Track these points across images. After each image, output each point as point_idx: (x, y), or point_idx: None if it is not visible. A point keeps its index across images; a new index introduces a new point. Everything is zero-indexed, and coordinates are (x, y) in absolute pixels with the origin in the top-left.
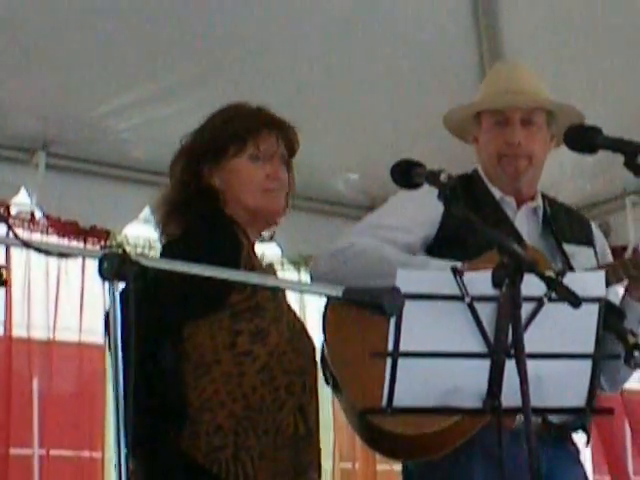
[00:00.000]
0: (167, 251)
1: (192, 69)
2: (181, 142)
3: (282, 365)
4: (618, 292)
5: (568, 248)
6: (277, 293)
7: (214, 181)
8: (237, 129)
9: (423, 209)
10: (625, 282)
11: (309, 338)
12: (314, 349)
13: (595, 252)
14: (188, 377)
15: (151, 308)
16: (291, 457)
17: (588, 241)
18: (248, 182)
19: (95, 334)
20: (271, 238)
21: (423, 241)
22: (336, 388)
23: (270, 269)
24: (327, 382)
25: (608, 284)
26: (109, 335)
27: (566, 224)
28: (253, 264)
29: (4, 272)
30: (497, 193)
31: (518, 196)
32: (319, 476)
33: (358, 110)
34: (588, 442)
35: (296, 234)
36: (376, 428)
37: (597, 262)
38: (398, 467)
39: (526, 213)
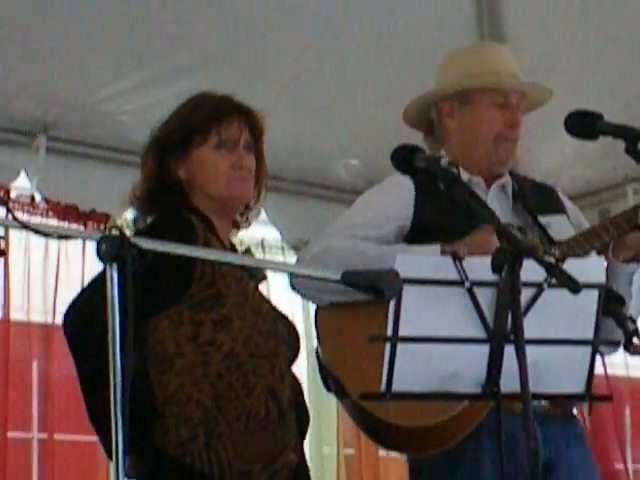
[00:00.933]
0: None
1: (192, 53)
2: (152, 133)
3: (248, 350)
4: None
5: (542, 219)
6: (243, 278)
7: (180, 173)
8: (199, 119)
9: (393, 202)
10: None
11: (280, 319)
12: (289, 330)
13: (568, 217)
14: (152, 373)
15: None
16: (265, 440)
17: (559, 209)
18: (212, 172)
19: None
20: (249, 223)
21: (397, 232)
22: (338, 394)
23: (248, 254)
24: (328, 389)
25: (594, 250)
26: (111, 318)
27: (535, 196)
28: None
29: (2, 243)
30: (464, 175)
31: (487, 176)
32: (300, 456)
33: (359, 96)
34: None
35: (296, 219)
36: (378, 421)
37: (573, 228)
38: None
39: (496, 191)
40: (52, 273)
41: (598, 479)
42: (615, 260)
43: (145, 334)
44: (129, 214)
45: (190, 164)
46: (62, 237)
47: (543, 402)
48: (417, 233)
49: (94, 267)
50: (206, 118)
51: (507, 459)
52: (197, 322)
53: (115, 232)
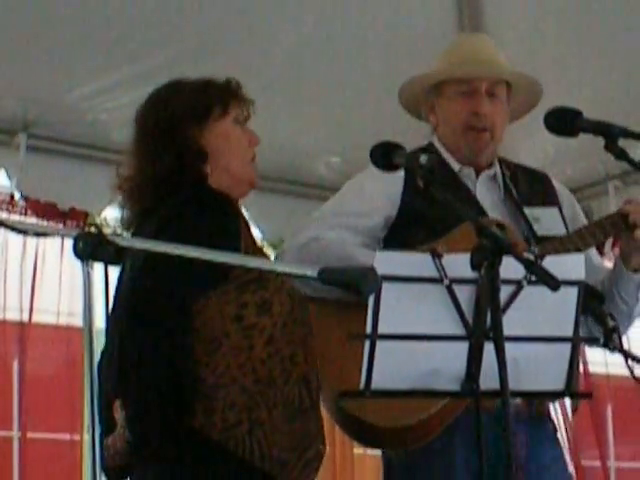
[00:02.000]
0: (167, 228)
1: (172, 51)
2: (141, 114)
3: (286, 336)
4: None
5: (531, 212)
6: None
7: (202, 143)
8: (218, 92)
9: (381, 190)
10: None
11: (307, 308)
12: (310, 319)
13: (560, 210)
14: (200, 354)
15: (160, 283)
16: (300, 429)
17: (552, 200)
18: (237, 147)
19: (74, 316)
20: None
21: (384, 223)
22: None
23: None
24: None
25: (586, 247)
26: (86, 316)
27: (527, 187)
28: (250, 234)
29: None
30: (455, 165)
31: (477, 166)
32: (325, 446)
33: (340, 94)
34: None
35: (277, 217)
36: (358, 421)
37: (563, 220)
38: (373, 452)
39: (485, 182)
40: (30, 271)
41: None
42: (624, 269)
43: (192, 317)
44: (108, 212)
45: (211, 136)
46: (39, 234)
47: (517, 401)
48: (402, 224)
49: (72, 265)
50: (225, 91)
51: (478, 457)
52: (242, 303)
53: (92, 229)
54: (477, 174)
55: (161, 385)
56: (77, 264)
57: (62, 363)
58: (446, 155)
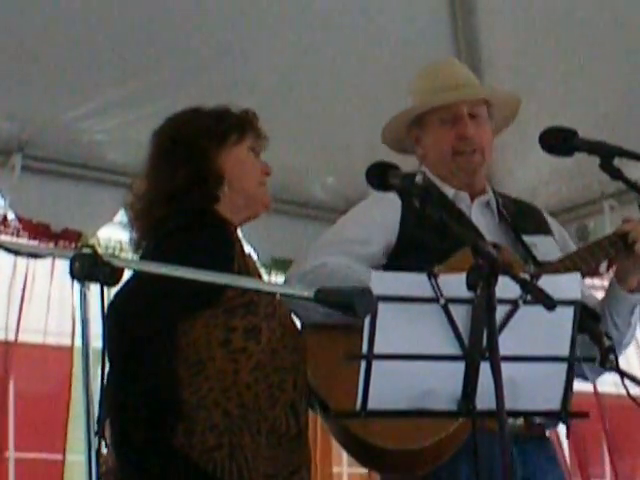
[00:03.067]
0: (162, 249)
1: (167, 72)
2: (159, 133)
3: (274, 362)
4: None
5: (527, 239)
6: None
7: (218, 164)
8: (236, 119)
9: (381, 218)
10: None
11: (299, 334)
12: (304, 346)
13: (554, 238)
14: (183, 374)
15: (145, 304)
16: (283, 456)
17: (545, 229)
18: (251, 172)
19: (60, 336)
20: None
21: (385, 250)
22: (322, 413)
23: (251, 261)
24: (311, 408)
25: (586, 266)
26: (82, 335)
27: (519, 215)
28: (244, 259)
29: None
30: (450, 191)
31: (471, 190)
32: (309, 476)
33: (335, 113)
34: (568, 435)
35: (272, 237)
36: (367, 445)
37: (559, 249)
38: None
39: (480, 207)
40: (19, 291)
41: None
42: (620, 289)
43: (177, 333)
44: (102, 232)
45: (227, 159)
46: (33, 255)
47: (518, 422)
48: (401, 250)
49: (62, 286)
50: (243, 119)
51: (486, 478)
52: (230, 328)
53: (87, 250)
54: (472, 198)
55: (143, 404)
56: (67, 285)
57: (47, 383)
58: (439, 183)
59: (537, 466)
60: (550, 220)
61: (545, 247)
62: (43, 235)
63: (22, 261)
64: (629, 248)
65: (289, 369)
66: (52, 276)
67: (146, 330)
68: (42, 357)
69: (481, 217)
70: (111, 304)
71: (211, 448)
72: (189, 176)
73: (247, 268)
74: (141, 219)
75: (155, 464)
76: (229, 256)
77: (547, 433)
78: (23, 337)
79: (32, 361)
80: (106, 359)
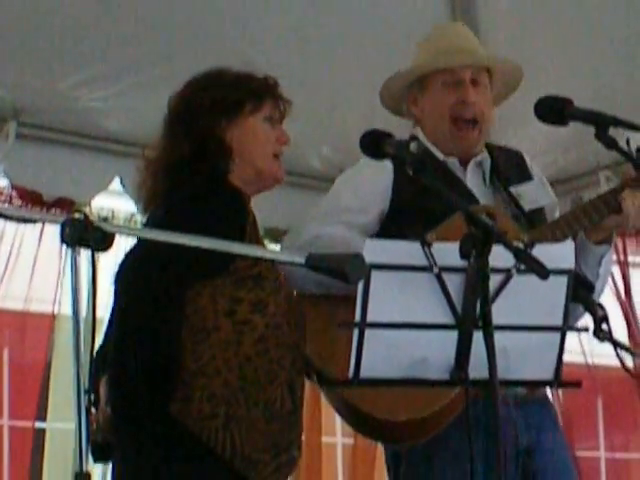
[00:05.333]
0: (173, 213)
1: (163, 40)
2: (174, 99)
3: (276, 338)
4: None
5: (514, 190)
6: (275, 264)
7: (227, 137)
8: (254, 87)
9: (373, 185)
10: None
11: (301, 312)
12: (304, 325)
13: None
14: (186, 341)
15: (154, 268)
16: (277, 432)
17: (527, 175)
18: (264, 143)
19: (46, 303)
20: None
21: (378, 218)
22: (317, 382)
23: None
24: (308, 377)
25: (582, 228)
26: (73, 302)
27: (507, 166)
28: (257, 232)
29: None
30: (440, 155)
31: (463, 156)
32: (300, 454)
33: (332, 83)
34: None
35: (268, 207)
36: (366, 416)
37: (545, 191)
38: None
39: (474, 170)
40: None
41: (572, 465)
42: (587, 241)
43: (184, 300)
44: (96, 201)
45: (239, 130)
46: (25, 220)
47: (520, 387)
48: (394, 217)
49: (50, 253)
50: (261, 88)
51: (492, 445)
52: (236, 299)
53: (79, 215)
54: (461, 163)
55: (143, 366)
56: (54, 252)
57: (33, 350)
58: (430, 147)
59: (540, 430)
60: (529, 162)
61: (530, 194)
62: (36, 203)
63: (10, 228)
64: (611, 212)
65: (290, 346)
66: (40, 243)
67: (153, 295)
68: (27, 324)
69: (474, 179)
70: (120, 267)
71: (207, 416)
72: (194, 148)
73: (257, 239)
74: (147, 185)
75: (149, 427)
76: (242, 225)
77: (548, 395)
78: (8, 304)
79: (16, 329)
80: (96, 326)
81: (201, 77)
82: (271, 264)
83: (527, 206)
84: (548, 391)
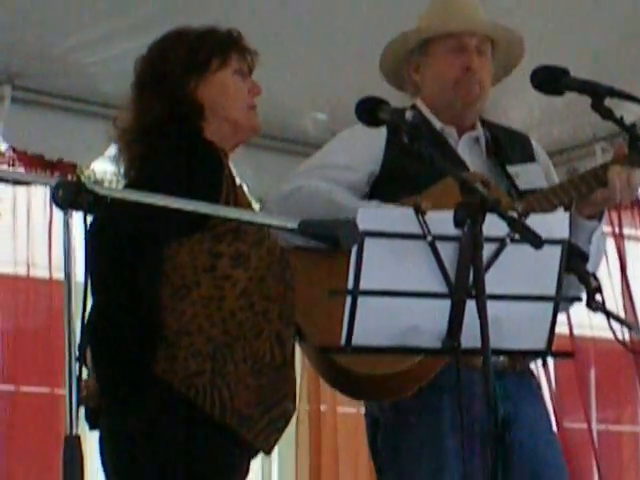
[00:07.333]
0: (147, 174)
1: (160, 4)
2: (139, 64)
3: (261, 291)
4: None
5: (511, 169)
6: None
7: (198, 96)
8: (218, 43)
9: (366, 146)
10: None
11: (288, 264)
12: (292, 276)
13: (539, 165)
14: (166, 299)
15: (130, 226)
16: (267, 386)
17: (530, 157)
18: (236, 97)
19: (37, 267)
20: None
21: (368, 178)
22: (299, 335)
23: (241, 189)
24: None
25: (570, 200)
26: (65, 265)
27: (508, 146)
28: (234, 185)
29: None
30: (437, 123)
31: (460, 126)
32: (294, 407)
33: (327, 49)
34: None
35: (263, 173)
36: (340, 369)
37: (544, 175)
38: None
39: (468, 142)
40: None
41: (553, 435)
42: (578, 216)
43: (162, 257)
44: (97, 164)
45: (209, 87)
46: (18, 183)
47: (502, 358)
48: (385, 180)
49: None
50: (226, 42)
51: (466, 413)
52: (215, 254)
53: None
54: (459, 134)
55: (123, 330)
56: (40, 215)
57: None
58: (429, 115)
59: (519, 402)
60: (536, 147)
61: (529, 175)
62: (39, 165)
63: (22, 193)
64: (600, 186)
65: (275, 298)
66: (29, 205)
67: (130, 253)
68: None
69: (468, 152)
70: (92, 227)
71: (193, 374)
72: (166, 110)
73: (235, 197)
74: (125, 153)
75: (134, 389)
76: (217, 179)
77: (531, 367)
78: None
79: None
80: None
81: (165, 38)
82: None
83: (522, 186)
84: (533, 364)
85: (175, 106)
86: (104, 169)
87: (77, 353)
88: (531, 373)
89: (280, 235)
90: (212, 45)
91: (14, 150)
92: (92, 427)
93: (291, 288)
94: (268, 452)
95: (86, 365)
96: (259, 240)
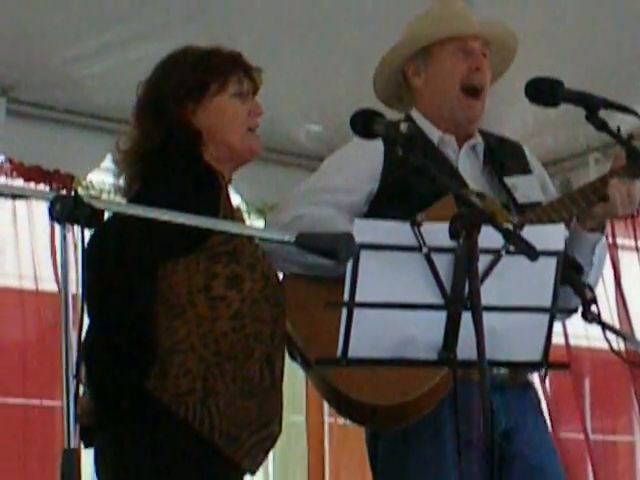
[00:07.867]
0: (147, 192)
1: (156, 16)
2: (141, 88)
3: (253, 313)
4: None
5: (509, 181)
6: (253, 239)
7: (195, 121)
8: (217, 67)
9: (363, 164)
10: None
11: (281, 287)
12: (285, 299)
13: (534, 177)
14: (160, 317)
15: (127, 244)
16: (256, 407)
17: (526, 169)
18: (232, 120)
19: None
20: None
21: (367, 198)
22: (302, 364)
23: (239, 212)
24: (293, 359)
25: (570, 215)
26: (62, 279)
27: (503, 156)
28: (231, 207)
29: None
30: (436, 134)
31: (459, 134)
32: (280, 429)
33: (321, 61)
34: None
35: (258, 184)
36: (348, 399)
37: (540, 188)
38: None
39: (467, 152)
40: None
41: (553, 448)
42: (580, 229)
43: (157, 276)
44: (93, 176)
45: (206, 112)
46: (15, 197)
47: (502, 371)
48: (383, 198)
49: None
50: (224, 66)
51: (466, 427)
52: (211, 275)
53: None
54: (459, 143)
55: (117, 348)
56: (40, 228)
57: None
58: (426, 125)
59: (520, 415)
60: (531, 158)
61: (527, 187)
62: (37, 177)
63: (22, 206)
64: (600, 200)
65: (268, 321)
66: (31, 218)
67: (125, 271)
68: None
69: (467, 162)
70: (90, 244)
71: (183, 392)
72: (165, 136)
73: (232, 216)
74: (125, 173)
75: (126, 406)
76: (215, 201)
77: (531, 380)
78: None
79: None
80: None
81: (165, 61)
82: (248, 239)
83: (520, 199)
84: (531, 376)
85: (174, 132)
86: (102, 180)
87: (74, 370)
88: (531, 386)
89: (277, 263)
90: (211, 69)
91: (11, 162)
92: (87, 445)
93: (283, 311)
94: (253, 473)
95: (81, 382)
96: (254, 263)
